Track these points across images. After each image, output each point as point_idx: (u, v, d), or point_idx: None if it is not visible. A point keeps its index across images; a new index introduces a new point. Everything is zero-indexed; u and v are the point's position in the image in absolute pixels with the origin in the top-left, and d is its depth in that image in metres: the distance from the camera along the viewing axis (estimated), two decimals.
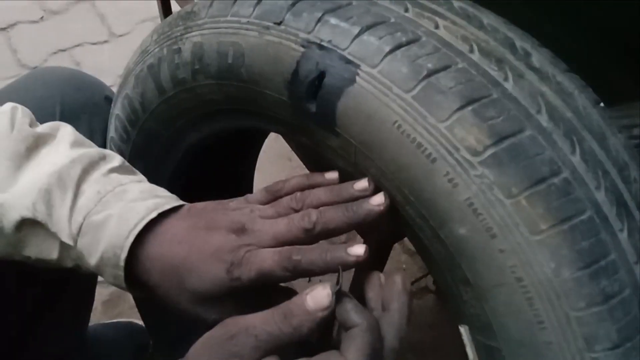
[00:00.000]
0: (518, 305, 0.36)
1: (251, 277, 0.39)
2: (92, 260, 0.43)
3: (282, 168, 1.32)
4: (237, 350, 0.34)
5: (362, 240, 0.80)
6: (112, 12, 1.66)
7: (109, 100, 0.68)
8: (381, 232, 0.72)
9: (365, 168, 0.42)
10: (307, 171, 0.88)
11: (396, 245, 1.19)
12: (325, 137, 0.43)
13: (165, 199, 0.45)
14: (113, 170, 0.47)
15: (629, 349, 0.35)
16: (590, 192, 0.37)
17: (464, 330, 0.42)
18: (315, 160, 0.83)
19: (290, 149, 0.87)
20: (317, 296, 0.35)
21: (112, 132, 0.62)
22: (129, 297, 0.84)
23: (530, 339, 0.36)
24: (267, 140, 0.78)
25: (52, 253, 0.45)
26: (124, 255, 0.42)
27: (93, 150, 0.48)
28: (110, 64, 1.43)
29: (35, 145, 0.47)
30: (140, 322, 0.97)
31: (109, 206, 0.43)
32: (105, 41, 1.59)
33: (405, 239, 0.82)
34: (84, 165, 0.46)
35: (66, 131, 0.49)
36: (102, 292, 1.10)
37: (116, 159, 0.49)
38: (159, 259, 0.42)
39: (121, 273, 0.42)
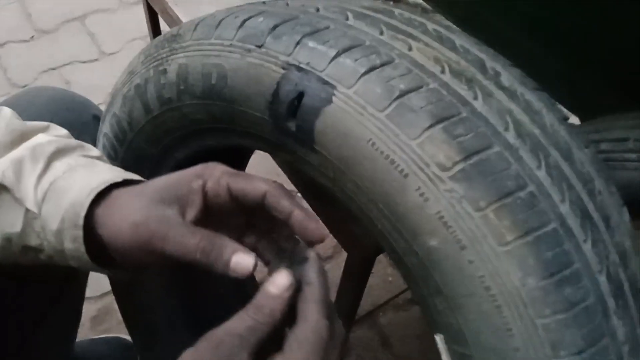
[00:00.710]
0: (487, 313, 0.38)
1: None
2: (54, 225, 0.43)
3: None
4: (228, 354, 0.36)
5: (345, 254, 0.82)
6: (102, 31, 1.68)
7: (97, 119, 0.70)
8: (364, 246, 0.74)
9: (342, 184, 0.43)
10: (293, 187, 0.90)
11: (382, 258, 1.21)
12: (305, 155, 0.45)
13: (134, 175, 0.46)
14: (89, 157, 0.48)
15: (593, 354, 0.37)
16: (555, 204, 0.39)
17: (439, 339, 0.44)
18: (299, 176, 0.84)
19: (277, 165, 0.88)
20: (277, 281, 0.38)
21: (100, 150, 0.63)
22: (117, 313, 0.85)
23: (499, 346, 0.38)
24: (256, 157, 0.80)
25: (16, 224, 0.45)
26: (83, 212, 0.42)
27: (74, 140, 0.49)
28: (100, 82, 1.45)
29: (20, 139, 0.48)
30: (128, 338, 0.97)
31: (76, 175, 0.44)
32: (96, 60, 1.61)
33: None
34: (59, 146, 0.47)
35: (55, 127, 0.50)
36: (90, 308, 1.10)
37: (94, 151, 0.50)
38: (116, 209, 0.43)
39: (80, 232, 0.42)
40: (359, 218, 0.45)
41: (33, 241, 0.46)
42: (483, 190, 0.37)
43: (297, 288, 0.38)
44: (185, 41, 0.50)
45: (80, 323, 0.87)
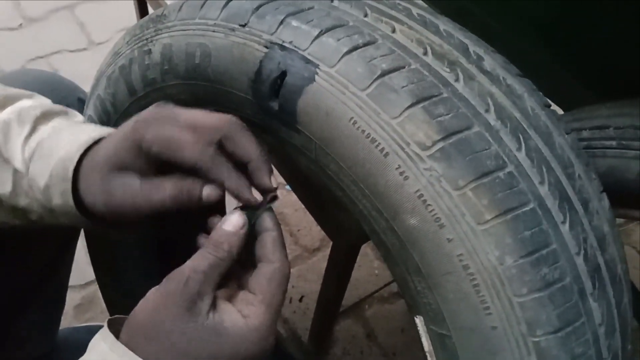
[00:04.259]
0: (465, 292, 0.38)
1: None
2: (42, 181, 0.44)
3: None
4: (195, 290, 0.38)
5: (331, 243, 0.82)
6: (91, 20, 1.67)
7: (82, 102, 0.69)
8: (349, 234, 0.74)
9: (325, 164, 0.43)
10: (281, 178, 0.90)
11: (369, 252, 1.21)
12: (288, 135, 0.45)
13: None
14: (73, 121, 0.49)
15: (569, 333, 0.37)
16: (534, 186, 0.39)
17: (419, 321, 0.44)
18: (285, 166, 0.84)
19: None
20: (232, 220, 0.40)
21: None
22: (101, 302, 0.85)
23: (477, 325, 0.38)
24: None
25: (6, 184, 0.46)
26: (72, 165, 0.43)
27: (58, 106, 0.50)
28: (88, 72, 1.42)
29: (3, 103, 0.48)
30: None
31: (62, 134, 0.45)
32: (84, 49, 1.60)
33: None
34: (44, 110, 0.48)
35: (39, 96, 0.51)
36: (74, 296, 1.10)
37: (78, 117, 0.51)
38: (87, 181, 0.44)
39: (69, 185, 0.43)
40: (341, 199, 0.45)
41: (22, 201, 0.46)
42: (462, 169, 0.37)
43: (253, 234, 0.41)
44: (170, 21, 0.50)
45: (64, 311, 0.87)
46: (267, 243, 0.41)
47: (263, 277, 0.40)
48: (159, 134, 0.41)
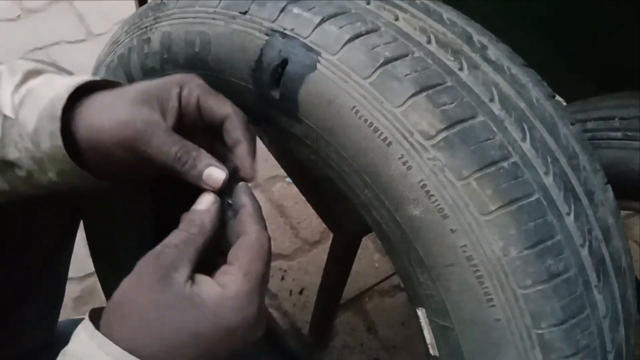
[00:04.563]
0: (469, 284, 0.37)
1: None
2: (31, 125, 0.42)
3: (260, 168, 1.33)
4: (167, 262, 0.37)
5: (331, 235, 0.81)
6: (90, 11, 1.65)
7: None
8: (350, 226, 0.73)
9: (326, 154, 0.43)
10: (282, 171, 0.89)
11: (369, 244, 1.21)
12: (289, 124, 0.44)
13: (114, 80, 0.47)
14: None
15: (573, 325, 0.37)
16: (539, 176, 0.38)
17: (421, 313, 0.44)
18: (288, 159, 0.84)
19: (267, 150, 0.87)
20: (203, 199, 0.41)
21: None
22: (100, 294, 0.84)
23: (480, 317, 0.38)
24: None
25: None
26: (61, 104, 0.41)
27: (52, 68, 0.49)
28: (87, 63, 1.41)
29: None
30: None
31: (54, 81, 0.44)
32: (83, 40, 1.59)
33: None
34: (37, 65, 0.47)
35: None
36: (74, 288, 1.10)
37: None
38: (99, 108, 0.43)
39: (58, 124, 0.41)
40: (342, 190, 0.44)
41: (11, 154, 0.45)
42: (466, 159, 0.37)
43: (234, 211, 0.41)
44: (169, 9, 0.49)
45: (63, 303, 0.87)
46: (244, 217, 0.40)
47: (239, 248, 0.39)
48: (203, 84, 0.43)
